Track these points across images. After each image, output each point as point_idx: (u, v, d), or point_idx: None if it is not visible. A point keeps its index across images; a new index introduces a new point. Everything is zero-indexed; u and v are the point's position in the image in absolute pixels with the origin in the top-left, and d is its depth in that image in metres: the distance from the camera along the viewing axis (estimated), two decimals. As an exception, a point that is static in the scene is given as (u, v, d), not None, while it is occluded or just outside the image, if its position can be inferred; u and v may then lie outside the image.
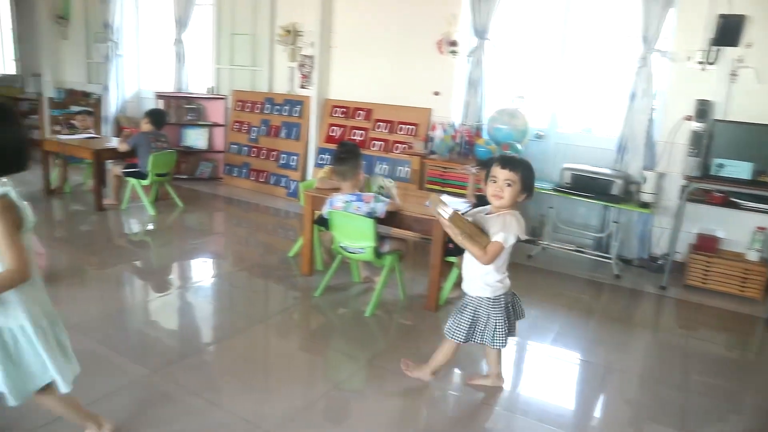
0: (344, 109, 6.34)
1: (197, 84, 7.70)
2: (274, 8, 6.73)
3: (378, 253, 3.51)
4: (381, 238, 3.49)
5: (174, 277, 4.29)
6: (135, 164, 5.65)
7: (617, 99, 4.99)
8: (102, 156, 5.69)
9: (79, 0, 8.85)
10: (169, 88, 7.64)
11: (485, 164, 3.87)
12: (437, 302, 3.70)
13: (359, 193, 3.50)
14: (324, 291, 3.85)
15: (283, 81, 6.84)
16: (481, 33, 5.35)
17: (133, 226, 5.46)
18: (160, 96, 7.28)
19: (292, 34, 6.56)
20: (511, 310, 2.65)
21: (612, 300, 4.30)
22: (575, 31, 5.20)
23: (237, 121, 7.19)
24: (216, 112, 7.33)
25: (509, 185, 2.49)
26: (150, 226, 5.42)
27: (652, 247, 4.91)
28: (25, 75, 9.93)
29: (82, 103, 8.52)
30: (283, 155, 6.75)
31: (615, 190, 4.55)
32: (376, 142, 6.05)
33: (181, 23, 7.37)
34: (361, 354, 3.15)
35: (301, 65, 6.56)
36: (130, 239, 5.16)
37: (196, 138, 7.24)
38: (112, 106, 8.22)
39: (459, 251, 3.64)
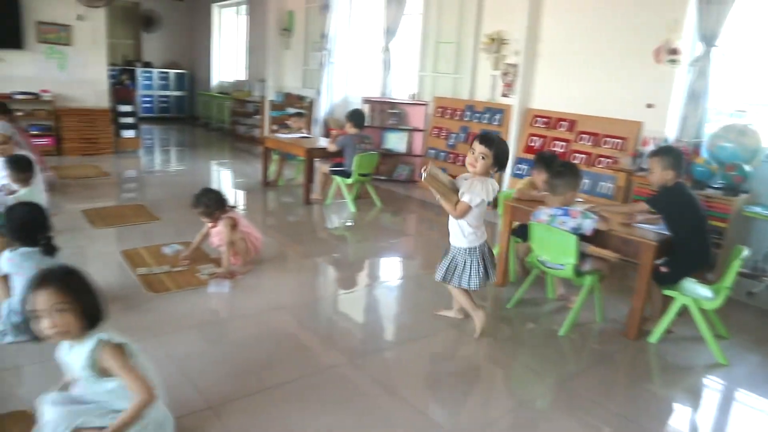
0: (546, 119, 6.15)
1: (401, 90, 8.04)
2: (479, 17, 6.77)
3: (578, 272, 3.34)
4: (582, 256, 3.31)
5: (366, 273, 4.50)
6: (341, 163, 6.07)
7: None
8: (312, 154, 6.20)
9: (302, 14, 9.78)
10: (374, 93, 8.08)
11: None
12: (638, 330, 3.40)
13: (566, 207, 3.35)
14: (516, 304, 3.77)
15: (484, 89, 6.84)
16: (708, 39, 4.83)
17: (335, 220, 5.86)
18: (366, 101, 7.73)
19: (497, 42, 6.54)
20: (487, 259, 3.22)
21: None
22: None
23: (436, 127, 7.36)
24: (417, 118, 7.58)
25: (483, 158, 3.02)
26: (349, 223, 5.78)
27: None
28: (253, 80, 11.23)
29: (296, 106, 9.39)
30: (478, 163, 6.75)
31: None
32: (578, 154, 5.76)
33: (390, 32, 7.74)
34: (550, 374, 3.02)
35: (504, 73, 6.51)
36: (331, 233, 5.56)
37: (396, 141, 7.57)
38: (322, 109, 8.93)
39: (670, 279, 3.32)
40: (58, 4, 8.16)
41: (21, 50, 7.96)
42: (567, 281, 3.69)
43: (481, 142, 3.03)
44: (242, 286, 3.84)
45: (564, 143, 5.92)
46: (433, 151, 7.36)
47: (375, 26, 8.40)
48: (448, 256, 3.26)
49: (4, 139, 4.82)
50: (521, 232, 3.89)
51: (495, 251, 4.29)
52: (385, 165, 7.55)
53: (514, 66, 6.34)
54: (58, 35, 8.25)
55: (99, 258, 4.20)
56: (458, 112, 7.08)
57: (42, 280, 1.89)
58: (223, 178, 7.86)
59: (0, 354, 2.81)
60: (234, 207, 4.24)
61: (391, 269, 4.69)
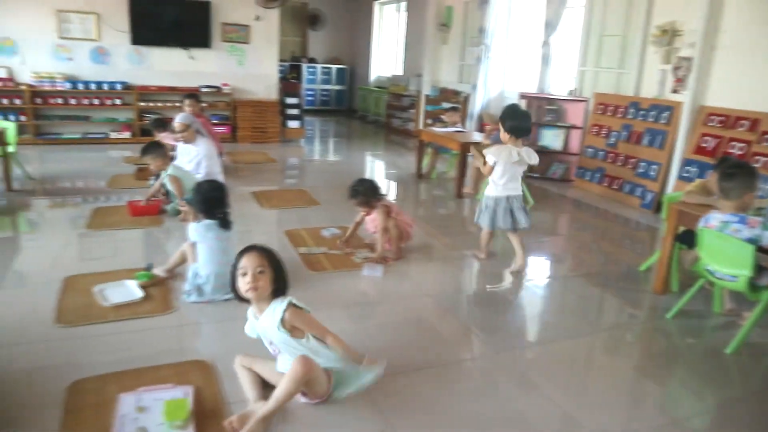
0: (722, 118, 5.60)
1: (559, 86, 7.78)
2: (650, 7, 6.33)
3: (753, 285, 3.03)
4: (760, 268, 3.00)
5: (511, 270, 4.44)
6: (493, 159, 6.02)
7: None
8: (466, 148, 6.22)
9: (460, 9, 9.82)
10: (531, 88, 7.90)
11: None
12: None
13: (743, 215, 3.04)
14: (676, 314, 3.51)
15: (652, 84, 6.40)
16: None
17: (484, 216, 5.84)
18: (523, 96, 7.59)
19: (669, 33, 6.07)
20: (508, 212, 4.10)
21: None
22: None
23: (596, 125, 7.03)
24: (575, 114, 7.30)
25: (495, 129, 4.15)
26: (498, 218, 5.72)
27: None
28: (409, 75, 11.51)
29: (452, 101, 9.46)
30: (642, 163, 6.34)
31: None
32: (760, 157, 5.18)
33: (550, 26, 7.52)
34: (710, 394, 2.77)
35: (676, 68, 6.03)
36: (480, 228, 5.53)
37: (552, 138, 7.35)
38: (477, 104, 8.92)
39: None
40: (240, 6, 9.05)
41: (208, 49, 8.98)
42: (738, 295, 3.36)
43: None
44: (392, 271, 4.00)
45: (743, 144, 5.36)
46: (591, 150, 7.04)
47: (535, 20, 8.20)
48: (484, 204, 4.17)
49: (184, 127, 5.45)
50: (687, 238, 3.61)
51: (655, 256, 4.04)
52: (540, 162, 7.34)
53: (688, 59, 5.85)
54: (238, 34, 9.16)
55: (265, 235, 4.60)
56: (621, 109, 6.69)
57: (249, 247, 2.40)
58: (377, 169, 8.17)
59: (184, 311, 3.22)
60: (386, 195, 4.41)
61: (538, 268, 4.58)
